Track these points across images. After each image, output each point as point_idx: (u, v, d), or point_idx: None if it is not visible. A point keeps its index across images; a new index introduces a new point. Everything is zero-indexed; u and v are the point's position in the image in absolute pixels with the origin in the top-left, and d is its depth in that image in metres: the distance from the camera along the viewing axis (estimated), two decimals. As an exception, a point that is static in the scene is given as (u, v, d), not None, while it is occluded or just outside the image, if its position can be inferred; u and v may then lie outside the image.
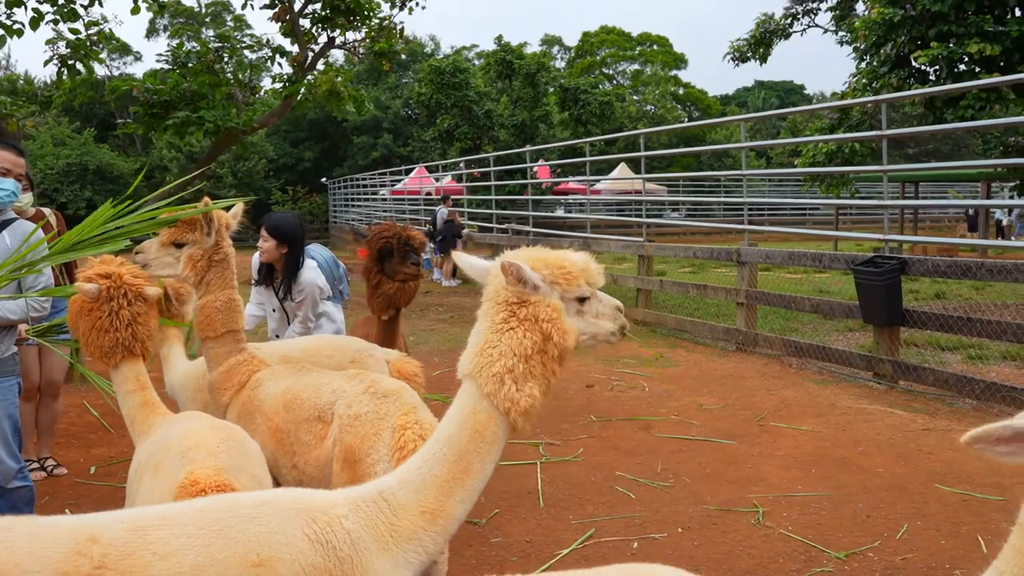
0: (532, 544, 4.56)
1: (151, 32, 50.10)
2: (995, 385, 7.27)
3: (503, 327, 2.10)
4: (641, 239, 12.85)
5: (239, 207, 3.55)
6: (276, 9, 8.97)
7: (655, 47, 56.98)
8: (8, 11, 7.79)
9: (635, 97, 52.89)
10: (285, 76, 9.24)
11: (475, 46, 57.75)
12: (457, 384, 2.19)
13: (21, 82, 42.82)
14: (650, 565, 1.44)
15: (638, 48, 56.95)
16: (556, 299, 2.09)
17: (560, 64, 55.49)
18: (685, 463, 5.91)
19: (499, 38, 29.46)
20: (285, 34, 9.24)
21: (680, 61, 56.95)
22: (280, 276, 5.05)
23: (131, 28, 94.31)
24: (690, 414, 7.22)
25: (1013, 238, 23.13)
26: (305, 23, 9.37)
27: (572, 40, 60.33)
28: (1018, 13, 11.39)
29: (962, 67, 11.45)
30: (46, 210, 5.83)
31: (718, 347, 10.50)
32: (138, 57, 50.31)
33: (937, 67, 11.49)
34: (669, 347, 10.62)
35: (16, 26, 7.82)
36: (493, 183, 19.09)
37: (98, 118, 41.64)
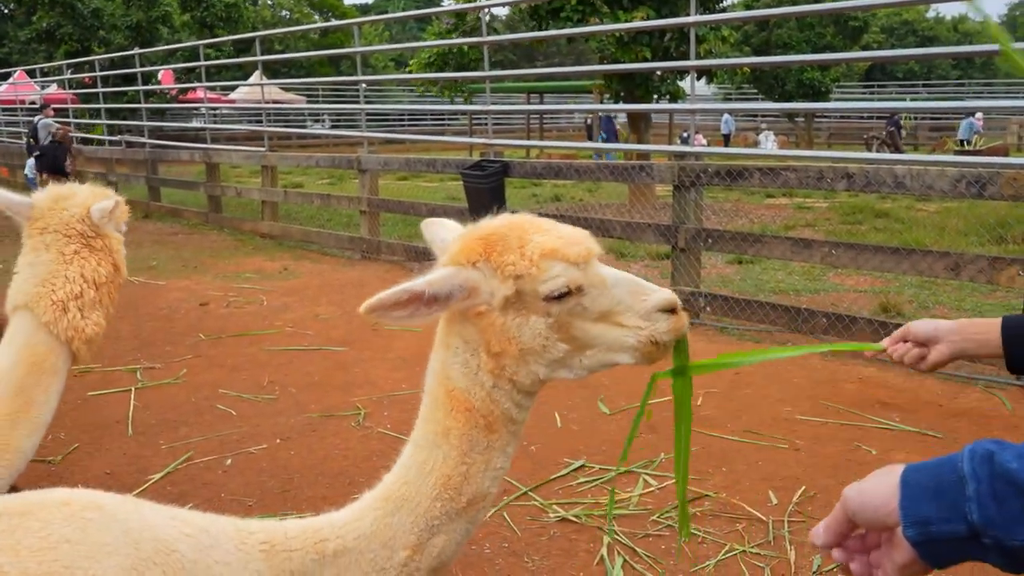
0: (113, 476, 4.23)
1: None
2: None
3: (73, 257, 2.21)
4: (263, 149, 12.33)
5: None
6: None
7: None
8: None
9: (269, 2, 50.44)
10: None
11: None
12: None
13: None
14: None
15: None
16: None
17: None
18: (293, 374, 5.82)
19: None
20: None
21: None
22: None
23: None
24: (305, 325, 7.12)
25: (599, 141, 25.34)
26: None
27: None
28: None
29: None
30: None
31: (344, 257, 10.47)
32: None
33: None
34: (295, 260, 10.40)
35: None
36: (101, 90, 17.22)
37: None
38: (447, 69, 13.92)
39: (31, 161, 17.65)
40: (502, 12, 43.03)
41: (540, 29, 12.21)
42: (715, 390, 5.23)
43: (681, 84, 14.56)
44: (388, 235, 10.75)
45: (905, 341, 1.72)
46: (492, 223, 1.45)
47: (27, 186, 18.63)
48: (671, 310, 1.44)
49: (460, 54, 13.42)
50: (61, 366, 2.18)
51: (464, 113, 27.10)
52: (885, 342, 1.75)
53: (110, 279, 2.34)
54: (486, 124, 9.30)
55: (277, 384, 5.60)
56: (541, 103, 30.72)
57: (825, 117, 36.20)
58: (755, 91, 36.55)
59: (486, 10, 8.96)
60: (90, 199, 2.35)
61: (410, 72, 14.91)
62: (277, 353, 6.34)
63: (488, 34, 8.82)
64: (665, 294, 1.45)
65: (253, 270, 9.73)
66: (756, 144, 26.29)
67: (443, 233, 1.58)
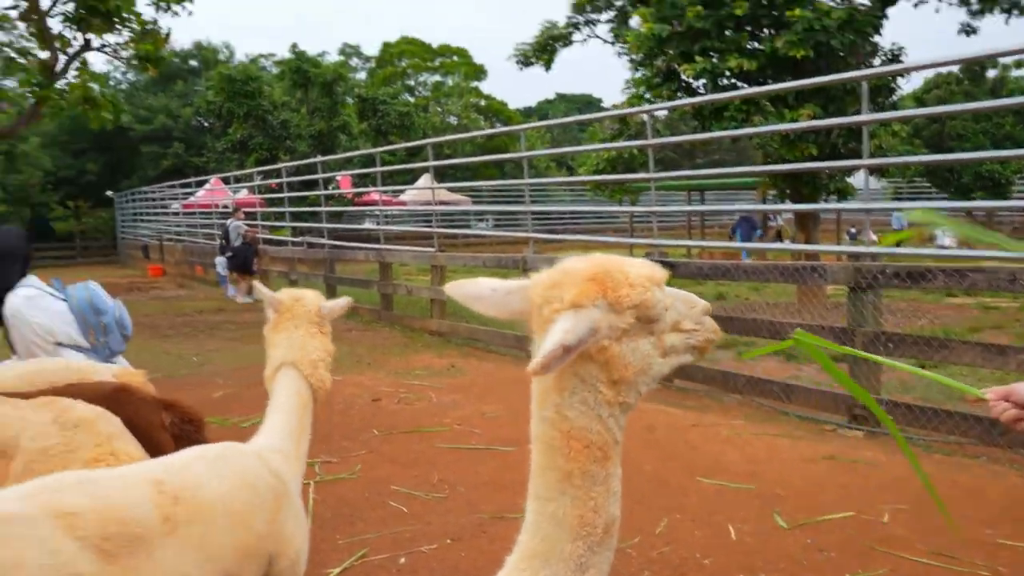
0: (294, 569, 4.36)
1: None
2: (756, 379, 7.75)
3: (315, 335, 3.09)
4: (433, 249, 12.84)
5: None
6: (22, 8, 8.26)
7: (455, 58, 57.54)
8: None
9: (438, 108, 53.19)
10: (34, 81, 8.51)
11: (272, 55, 56.14)
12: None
13: None
14: None
15: (438, 59, 57.30)
16: None
17: (362, 75, 54.94)
18: (463, 472, 5.88)
19: (294, 46, 28.81)
20: (32, 35, 8.53)
21: (480, 72, 57.80)
22: None
23: None
24: (473, 422, 7.22)
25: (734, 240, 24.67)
26: (56, 24, 8.70)
27: (372, 50, 59.96)
28: (770, 32, 12.28)
29: (725, 80, 12.23)
30: None
31: (510, 355, 10.62)
32: None
33: (703, 80, 12.21)
34: (462, 357, 10.65)
35: None
36: (286, 195, 18.53)
37: None
38: (615, 172, 14.15)
39: (221, 259, 19.10)
40: (662, 112, 43.50)
41: (703, 129, 12.27)
42: (903, 507, 4.89)
43: (850, 180, 14.18)
44: (551, 333, 10.84)
45: (1007, 400, 1.78)
46: (577, 267, 1.57)
47: (218, 283, 20.16)
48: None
49: (628, 157, 13.63)
50: (311, 406, 3.01)
51: (624, 212, 27.37)
52: (989, 393, 1.84)
53: (328, 355, 3.14)
54: (647, 223, 9.32)
55: (447, 483, 5.68)
56: (702, 201, 30.59)
57: (1008, 211, 34.15)
58: (929, 185, 35.03)
59: (649, 115, 9.10)
60: (316, 299, 3.16)
61: (578, 174, 15.25)
62: (446, 451, 6.44)
63: (651, 134, 8.93)
64: (703, 301, 1.74)
65: (422, 367, 10.01)
66: (932, 240, 25.08)
67: (482, 288, 1.68)
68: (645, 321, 1.56)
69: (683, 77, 12.27)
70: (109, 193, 37.56)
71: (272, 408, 2.91)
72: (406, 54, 56.25)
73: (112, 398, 3.08)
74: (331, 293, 15.87)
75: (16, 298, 4.23)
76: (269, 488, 2.51)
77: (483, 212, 38.65)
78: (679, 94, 12.46)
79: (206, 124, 41.57)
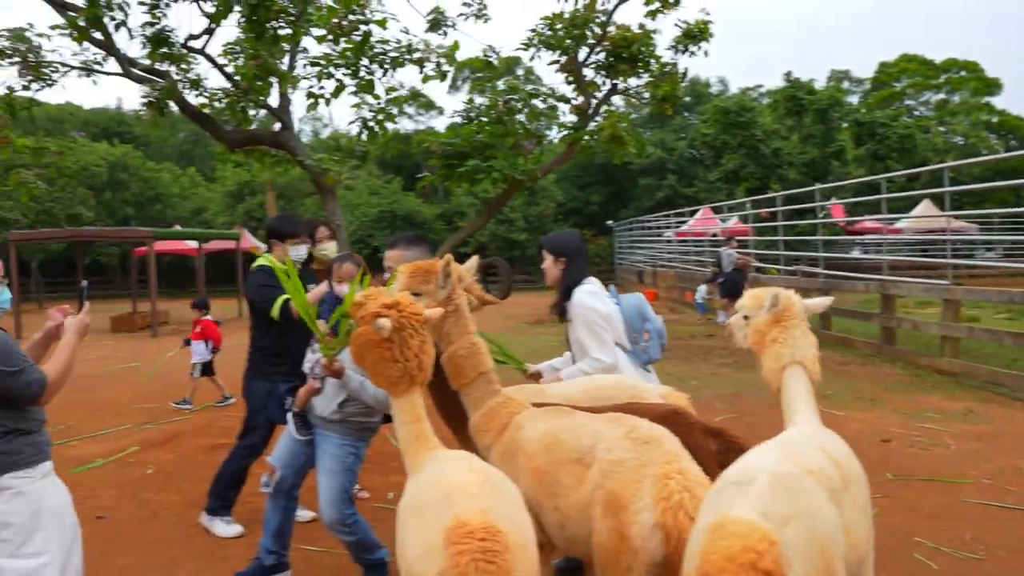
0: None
1: (453, 87, 54.22)
2: None
3: (806, 332, 3.34)
4: (947, 282, 11.71)
5: (474, 261, 3.75)
6: (562, 61, 9.30)
7: (963, 73, 52.29)
8: (319, 83, 8.82)
9: (941, 128, 48.78)
10: (569, 124, 9.53)
11: (760, 86, 56.35)
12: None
13: (344, 140, 48.01)
14: None
15: (943, 76, 52.56)
16: None
17: (853, 99, 52.59)
18: (1001, 534, 5.22)
19: (788, 74, 28.59)
20: (569, 83, 9.55)
21: (994, 87, 51.78)
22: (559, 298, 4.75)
23: (436, 85, 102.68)
24: (1006, 478, 6.39)
25: None
26: (589, 72, 9.63)
27: (862, 72, 56.99)
28: None
29: None
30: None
31: (1043, 404, 9.25)
32: (441, 111, 54.59)
33: None
34: (980, 401, 9.53)
35: (323, 95, 8.82)
36: (780, 223, 18.37)
37: (406, 169, 45.48)
38: None
39: (703, 288, 19.59)
40: None
41: None
42: None
43: None
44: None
45: None
46: None
47: (696, 310, 20.65)
48: None
49: None
50: None
51: None
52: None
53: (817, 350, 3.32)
54: None
55: (981, 542, 5.08)
56: None
57: None
58: None
59: None
60: (796, 296, 3.35)
61: None
62: (975, 506, 5.78)
63: None
64: None
65: (933, 408, 9.16)
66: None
67: None
68: None
69: None
70: (609, 223, 40.74)
71: (797, 402, 3.10)
72: (906, 73, 52.60)
73: (665, 419, 3.27)
74: (825, 323, 15.34)
75: (583, 291, 4.60)
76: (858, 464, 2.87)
77: (991, 241, 34.43)
78: None
79: (698, 156, 43.11)
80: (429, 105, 51.60)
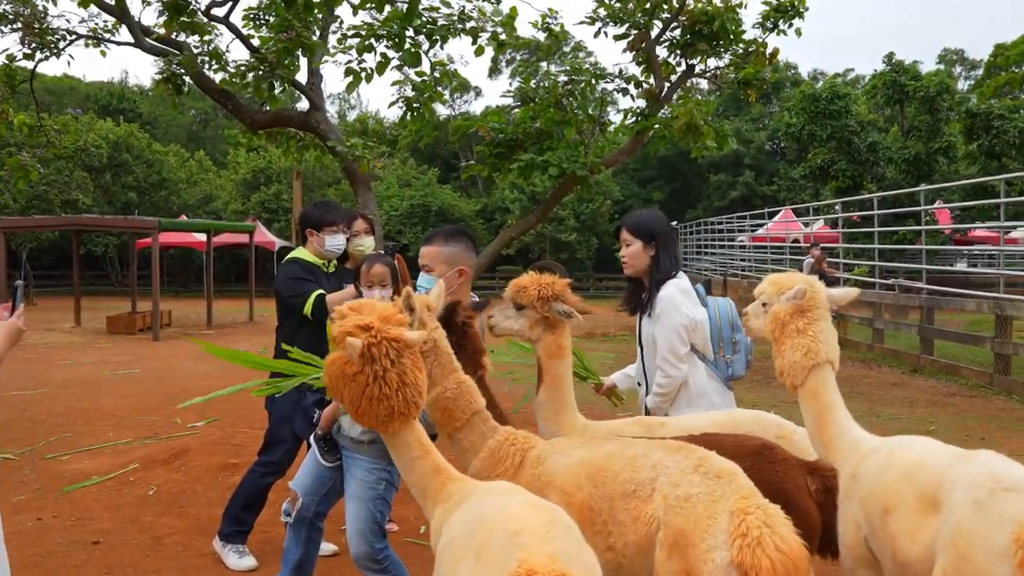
0: None
1: (493, 71, 54.46)
2: None
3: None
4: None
5: (440, 286, 3.66)
6: (631, 37, 9.29)
7: (1099, 58, 51.16)
8: (359, 57, 8.86)
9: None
10: (637, 110, 9.51)
11: (850, 70, 55.70)
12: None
13: (371, 122, 48.45)
14: None
15: (1074, 61, 51.47)
16: None
17: (964, 85, 51.86)
18: None
19: (890, 56, 28.18)
20: (639, 63, 9.54)
21: None
22: (646, 291, 4.64)
23: (472, 67, 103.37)
24: None
25: None
26: (662, 51, 9.62)
27: (978, 54, 56.14)
28: None
29: None
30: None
31: None
32: (479, 93, 54.88)
33: None
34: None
35: (364, 71, 8.89)
36: (876, 229, 18.17)
37: (441, 158, 45.75)
38: None
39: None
40: None
41: None
42: None
43: None
44: None
45: None
46: None
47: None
48: None
49: None
50: None
51: None
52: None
53: None
54: None
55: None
56: None
57: None
58: None
59: None
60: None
61: None
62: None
63: None
64: None
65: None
66: None
67: None
68: None
69: None
70: (674, 223, 40.48)
71: (838, 412, 3.31)
72: (1028, 56, 51.58)
73: (757, 455, 3.27)
74: (926, 347, 15.16)
75: (673, 287, 4.54)
76: None
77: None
78: None
79: (780, 149, 42.78)
80: (464, 87, 51.83)
